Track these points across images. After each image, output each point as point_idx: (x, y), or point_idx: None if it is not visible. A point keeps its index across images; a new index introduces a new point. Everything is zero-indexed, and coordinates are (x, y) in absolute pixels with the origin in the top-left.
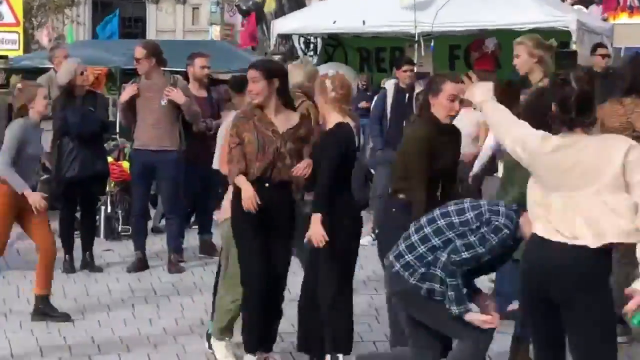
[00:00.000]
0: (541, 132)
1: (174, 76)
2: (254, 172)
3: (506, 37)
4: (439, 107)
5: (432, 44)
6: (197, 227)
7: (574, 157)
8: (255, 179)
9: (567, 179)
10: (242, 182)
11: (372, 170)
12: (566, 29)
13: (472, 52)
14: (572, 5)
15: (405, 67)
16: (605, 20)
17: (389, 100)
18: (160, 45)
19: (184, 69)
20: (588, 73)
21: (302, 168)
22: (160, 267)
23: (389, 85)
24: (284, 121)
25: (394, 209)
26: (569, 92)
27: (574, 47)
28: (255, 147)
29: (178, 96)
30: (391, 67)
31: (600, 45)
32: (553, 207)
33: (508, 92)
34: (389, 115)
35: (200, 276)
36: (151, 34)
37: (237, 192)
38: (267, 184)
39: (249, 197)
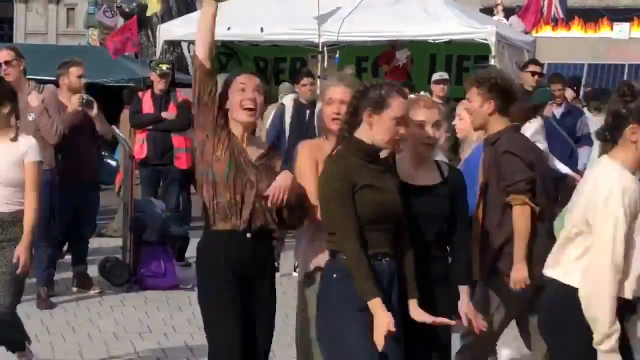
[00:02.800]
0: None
1: (40, 86)
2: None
3: (419, 49)
4: (381, 129)
5: (337, 54)
6: (70, 256)
7: None
8: (232, 229)
9: None
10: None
11: None
12: (485, 41)
13: (382, 65)
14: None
15: (305, 81)
16: (527, 33)
17: (287, 117)
18: (25, 50)
19: (54, 78)
20: None
21: (278, 192)
22: (27, 303)
23: (287, 100)
24: (254, 149)
25: (334, 274)
26: None
27: (492, 61)
28: (225, 174)
29: (31, 98)
30: (291, 79)
31: (533, 61)
32: None
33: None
34: (287, 133)
35: (73, 312)
36: (19, 37)
37: (207, 243)
38: (248, 234)
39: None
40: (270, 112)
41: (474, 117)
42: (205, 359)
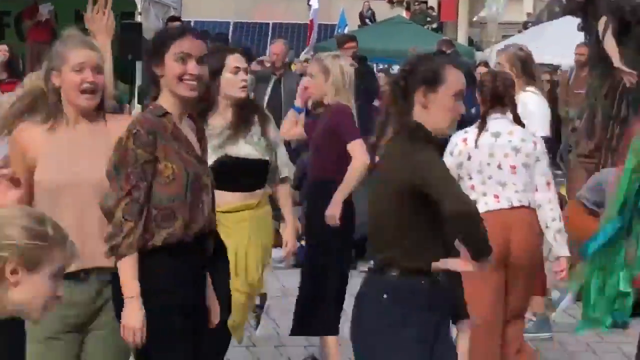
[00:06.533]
0: None
1: None
2: (182, 230)
3: (63, 4)
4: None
5: None
6: None
7: None
8: (187, 241)
9: None
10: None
11: None
12: None
13: (25, 20)
14: None
15: None
16: None
17: None
18: None
19: None
20: None
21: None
22: None
23: None
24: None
25: (385, 294)
26: None
27: (139, 18)
28: (183, 184)
29: None
30: None
31: (174, 18)
32: None
33: None
34: None
35: None
36: None
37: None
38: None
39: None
40: None
41: None
42: None
